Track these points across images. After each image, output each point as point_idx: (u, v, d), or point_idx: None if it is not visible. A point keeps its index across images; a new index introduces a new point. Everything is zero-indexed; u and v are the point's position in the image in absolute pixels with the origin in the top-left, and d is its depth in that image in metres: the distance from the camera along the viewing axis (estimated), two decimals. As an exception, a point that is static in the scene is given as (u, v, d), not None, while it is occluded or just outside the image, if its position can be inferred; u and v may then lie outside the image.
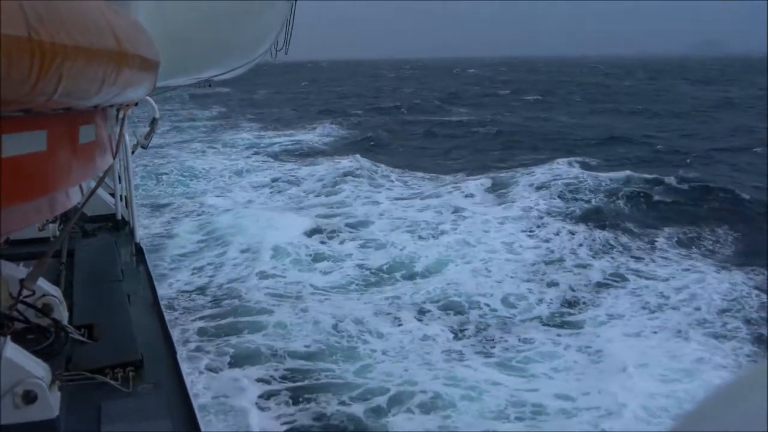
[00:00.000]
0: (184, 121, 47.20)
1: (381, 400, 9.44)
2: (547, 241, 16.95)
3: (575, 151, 29.91)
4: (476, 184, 22.93)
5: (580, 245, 16.46)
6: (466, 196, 21.69)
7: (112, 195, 8.30)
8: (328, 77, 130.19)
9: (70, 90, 2.04)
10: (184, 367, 4.42)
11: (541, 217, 18.93)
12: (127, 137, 7.68)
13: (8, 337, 3.34)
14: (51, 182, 2.53)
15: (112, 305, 5.20)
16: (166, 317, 5.24)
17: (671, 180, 22.32)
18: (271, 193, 23.97)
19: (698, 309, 12.35)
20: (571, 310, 12.68)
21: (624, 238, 17.10)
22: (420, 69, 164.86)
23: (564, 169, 24.96)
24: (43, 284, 4.38)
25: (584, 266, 14.95)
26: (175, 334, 9.45)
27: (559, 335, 11.52)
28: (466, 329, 11.95)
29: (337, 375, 10.21)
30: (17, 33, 1.65)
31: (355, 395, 9.62)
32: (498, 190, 22.55)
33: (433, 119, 46.71)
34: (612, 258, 15.57)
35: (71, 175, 2.73)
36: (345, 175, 25.16)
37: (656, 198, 20.85)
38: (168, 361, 4.40)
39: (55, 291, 4.52)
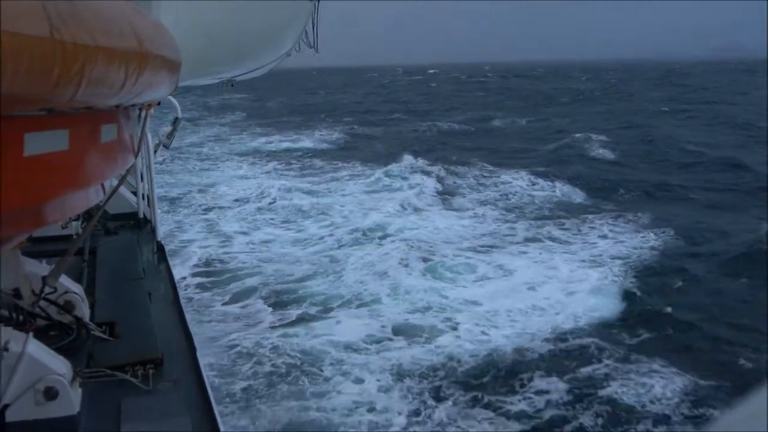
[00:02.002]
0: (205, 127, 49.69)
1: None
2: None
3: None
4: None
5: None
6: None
7: (135, 194, 8.37)
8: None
9: (92, 90, 2.05)
10: (204, 366, 4.43)
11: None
12: (149, 136, 7.73)
13: (30, 334, 3.38)
14: (73, 180, 2.56)
15: (133, 303, 5.23)
16: (187, 315, 5.27)
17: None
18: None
19: (592, 254, 16.88)
20: (493, 249, 17.61)
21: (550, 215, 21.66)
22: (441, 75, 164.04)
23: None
24: (66, 281, 4.42)
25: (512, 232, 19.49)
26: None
27: (477, 258, 16.47)
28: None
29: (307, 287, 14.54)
30: (39, 33, 1.67)
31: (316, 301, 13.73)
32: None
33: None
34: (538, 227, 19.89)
35: (93, 173, 2.76)
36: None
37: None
38: (188, 359, 4.41)
39: (77, 288, 4.55)
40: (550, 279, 14.94)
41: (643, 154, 33.70)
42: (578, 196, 24.49)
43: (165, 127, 8.43)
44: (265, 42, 8.84)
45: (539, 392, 10.21)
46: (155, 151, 8.13)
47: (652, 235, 18.42)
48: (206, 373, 4.28)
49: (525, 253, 17.05)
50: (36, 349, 3.33)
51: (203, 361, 4.46)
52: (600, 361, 11.17)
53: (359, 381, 10.40)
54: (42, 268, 4.33)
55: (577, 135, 39.67)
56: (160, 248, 7.24)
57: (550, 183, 26.10)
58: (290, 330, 12.22)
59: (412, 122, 52.86)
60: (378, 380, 10.42)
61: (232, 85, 10.53)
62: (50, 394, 3.27)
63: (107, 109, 2.72)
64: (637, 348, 11.69)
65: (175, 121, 8.31)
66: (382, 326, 12.36)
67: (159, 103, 7.74)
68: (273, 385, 10.26)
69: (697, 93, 72.68)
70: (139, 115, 4.25)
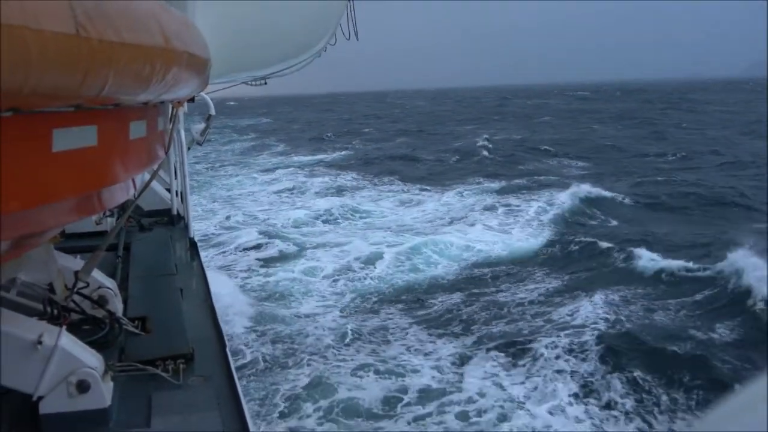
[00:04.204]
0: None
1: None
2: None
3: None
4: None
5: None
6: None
7: (169, 190, 8.46)
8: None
9: (119, 86, 2.07)
10: (234, 361, 4.46)
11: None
12: (182, 133, 7.81)
13: (64, 328, 3.43)
14: (102, 176, 2.58)
15: (165, 298, 5.29)
16: (218, 311, 5.31)
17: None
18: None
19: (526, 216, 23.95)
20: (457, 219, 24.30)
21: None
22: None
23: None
24: (99, 276, 4.48)
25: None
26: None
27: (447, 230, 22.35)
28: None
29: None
30: (65, 30, 1.68)
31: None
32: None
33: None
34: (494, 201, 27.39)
35: (122, 169, 2.78)
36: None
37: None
38: (218, 355, 4.44)
39: (110, 283, 4.62)
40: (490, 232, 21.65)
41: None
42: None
43: (198, 125, 8.51)
44: (298, 40, 8.87)
45: (445, 300, 15.13)
46: (189, 148, 8.21)
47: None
48: (236, 369, 4.31)
49: (482, 220, 23.72)
50: (69, 342, 3.37)
51: (233, 356, 4.49)
52: (499, 282, 16.46)
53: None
54: (76, 263, 4.40)
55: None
56: (193, 244, 7.31)
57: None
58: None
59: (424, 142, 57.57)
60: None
61: (265, 83, 10.58)
62: (82, 387, 3.32)
63: (136, 106, 2.74)
64: (533, 275, 16.98)
65: (209, 118, 8.38)
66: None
67: (193, 100, 7.81)
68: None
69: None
70: (171, 112, 4.28)
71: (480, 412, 9.89)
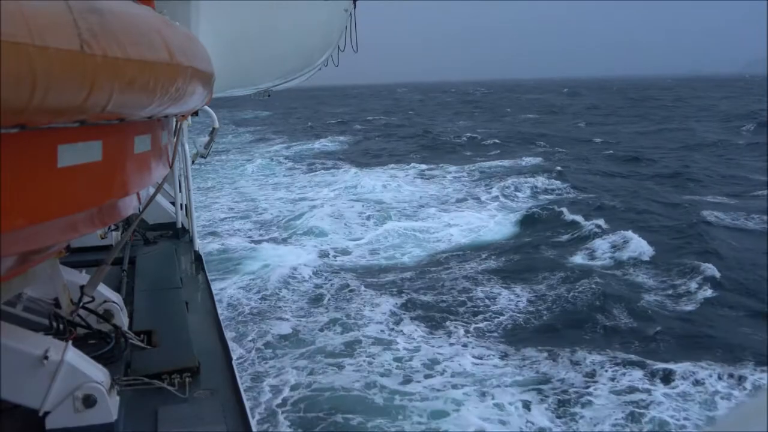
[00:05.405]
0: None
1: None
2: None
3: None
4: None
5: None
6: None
7: (173, 204, 8.45)
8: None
9: (123, 102, 2.07)
10: (240, 375, 4.45)
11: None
12: (186, 146, 7.81)
13: (70, 342, 3.43)
14: (107, 191, 2.58)
15: (170, 312, 5.28)
16: (223, 324, 5.30)
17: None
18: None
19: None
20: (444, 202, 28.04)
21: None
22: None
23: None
24: (105, 291, 4.48)
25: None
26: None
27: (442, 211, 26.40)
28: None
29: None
30: (70, 47, 1.69)
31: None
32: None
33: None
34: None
35: (127, 184, 2.78)
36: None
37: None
38: (224, 368, 4.43)
39: (116, 297, 4.61)
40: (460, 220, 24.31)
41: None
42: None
43: (202, 137, 8.51)
44: (300, 53, 8.89)
45: (404, 279, 17.62)
46: (193, 161, 8.21)
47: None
48: (242, 382, 4.30)
49: (463, 208, 26.72)
50: (75, 357, 3.37)
51: (239, 370, 4.48)
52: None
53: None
54: (81, 277, 4.40)
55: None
56: (198, 258, 7.30)
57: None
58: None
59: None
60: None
61: (269, 95, 10.58)
62: (89, 401, 3.31)
63: (141, 120, 2.75)
64: (491, 266, 18.60)
65: (213, 131, 8.38)
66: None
67: (197, 114, 7.81)
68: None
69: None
70: (175, 126, 4.30)
71: (411, 357, 12.71)
